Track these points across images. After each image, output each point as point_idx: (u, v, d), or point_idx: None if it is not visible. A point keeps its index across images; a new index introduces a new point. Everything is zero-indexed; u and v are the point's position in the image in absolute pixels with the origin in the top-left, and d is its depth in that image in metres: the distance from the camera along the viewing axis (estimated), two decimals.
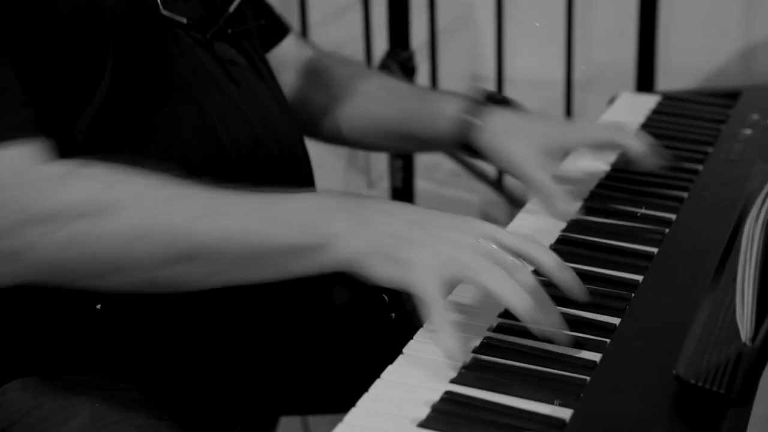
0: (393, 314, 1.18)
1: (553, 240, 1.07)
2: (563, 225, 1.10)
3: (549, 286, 0.88)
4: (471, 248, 0.85)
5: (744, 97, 1.45)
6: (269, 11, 1.26)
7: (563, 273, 0.88)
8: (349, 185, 2.50)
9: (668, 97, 1.50)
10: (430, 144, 1.28)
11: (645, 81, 2.08)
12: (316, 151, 1.13)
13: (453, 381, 0.83)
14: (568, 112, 2.34)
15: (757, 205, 0.77)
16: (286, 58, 1.27)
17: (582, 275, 0.99)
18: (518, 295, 0.83)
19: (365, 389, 0.83)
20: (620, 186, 1.20)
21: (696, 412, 0.76)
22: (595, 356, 0.86)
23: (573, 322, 0.91)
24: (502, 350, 0.87)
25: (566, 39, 2.19)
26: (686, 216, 1.12)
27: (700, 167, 1.24)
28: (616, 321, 0.91)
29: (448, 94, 1.26)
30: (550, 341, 0.87)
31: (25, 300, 0.96)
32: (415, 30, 1.99)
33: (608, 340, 0.88)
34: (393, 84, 1.30)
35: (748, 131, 1.31)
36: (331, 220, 0.86)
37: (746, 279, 0.79)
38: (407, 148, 1.73)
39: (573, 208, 1.12)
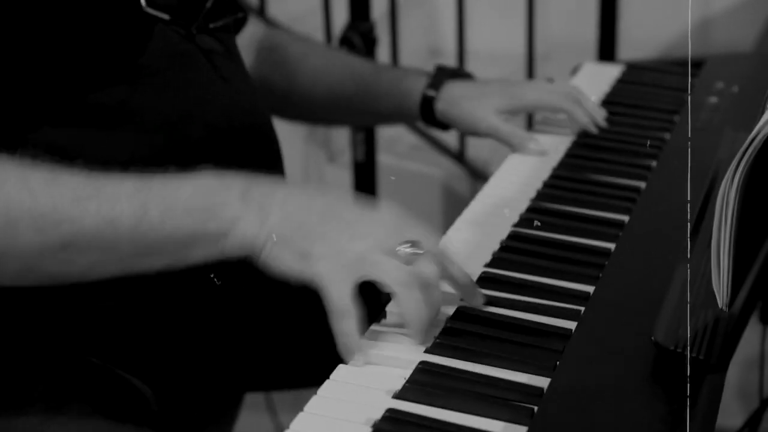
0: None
1: (523, 209, 1.06)
2: (532, 194, 1.09)
3: (526, 254, 0.87)
4: (382, 248, 0.83)
5: (707, 66, 1.44)
6: None
7: (465, 279, 0.87)
8: (309, 160, 2.47)
9: (632, 67, 1.49)
10: (392, 118, 1.33)
11: (606, 52, 2.07)
12: (275, 125, 1.12)
13: (428, 351, 0.82)
14: None
15: (732, 168, 0.76)
16: (247, 41, 1.26)
17: (554, 244, 0.99)
18: (417, 311, 0.82)
19: (333, 363, 0.81)
20: (589, 155, 1.19)
21: (673, 378, 0.76)
22: (571, 324, 0.85)
23: (547, 291, 0.90)
24: (477, 319, 0.86)
25: (527, 11, 2.18)
26: (656, 183, 1.11)
27: (667, 135, 1.24)
28: (590, 289, 0.90)
29: (406, 70, 1.31)
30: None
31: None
32: (375, 1, 1.96)
33: (583, 308, 0.87)
34: (347, 59, 1.33)
35: (713, 99, 1.31)
36: (232, 205, 0.84)
37: (722, 243, 0.78)
38: (368, 122, 1.73)
39: (545, 147, 1.20)
